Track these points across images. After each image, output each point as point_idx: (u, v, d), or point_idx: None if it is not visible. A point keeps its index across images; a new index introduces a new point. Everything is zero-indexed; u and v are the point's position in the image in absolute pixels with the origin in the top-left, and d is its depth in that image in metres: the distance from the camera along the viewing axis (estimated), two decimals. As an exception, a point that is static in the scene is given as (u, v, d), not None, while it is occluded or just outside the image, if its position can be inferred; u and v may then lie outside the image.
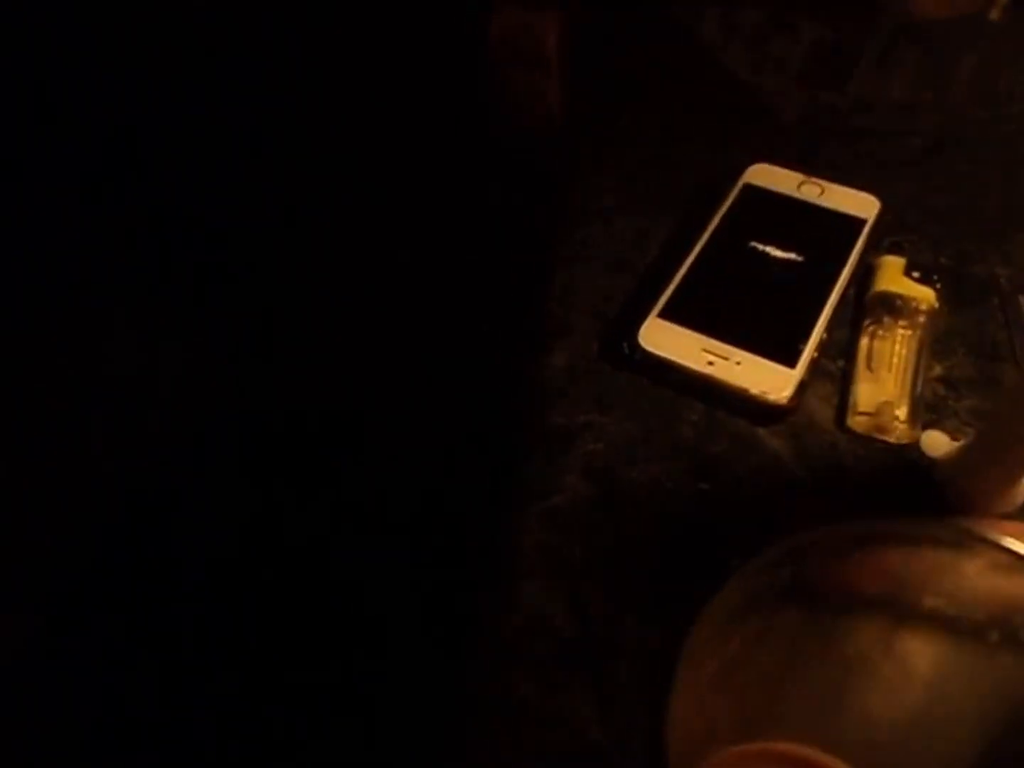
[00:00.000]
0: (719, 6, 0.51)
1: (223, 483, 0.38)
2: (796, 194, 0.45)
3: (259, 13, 0.48)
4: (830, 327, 0.40)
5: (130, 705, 0.32)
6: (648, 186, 0.49)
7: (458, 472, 0.38)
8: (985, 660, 0.24)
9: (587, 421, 0.39)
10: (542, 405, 0.39)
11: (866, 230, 0.43)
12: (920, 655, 0.25)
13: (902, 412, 0.37)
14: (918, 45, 0.48)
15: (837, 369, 0.40)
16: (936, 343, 0.40)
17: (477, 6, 0.47)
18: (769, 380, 0.38)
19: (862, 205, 0.44)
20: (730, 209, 0.45)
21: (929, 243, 0.44)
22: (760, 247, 0.43)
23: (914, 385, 0.38)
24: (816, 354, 0.39)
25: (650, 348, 0.39)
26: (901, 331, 0.39)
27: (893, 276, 0.41)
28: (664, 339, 0.40)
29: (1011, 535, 0.25)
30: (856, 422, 0.37)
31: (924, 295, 0.40)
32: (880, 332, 0.39)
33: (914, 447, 0.36)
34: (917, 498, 0.35)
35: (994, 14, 0.43)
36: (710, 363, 0.38)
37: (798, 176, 0.46)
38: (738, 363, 0.38)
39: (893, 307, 0.40)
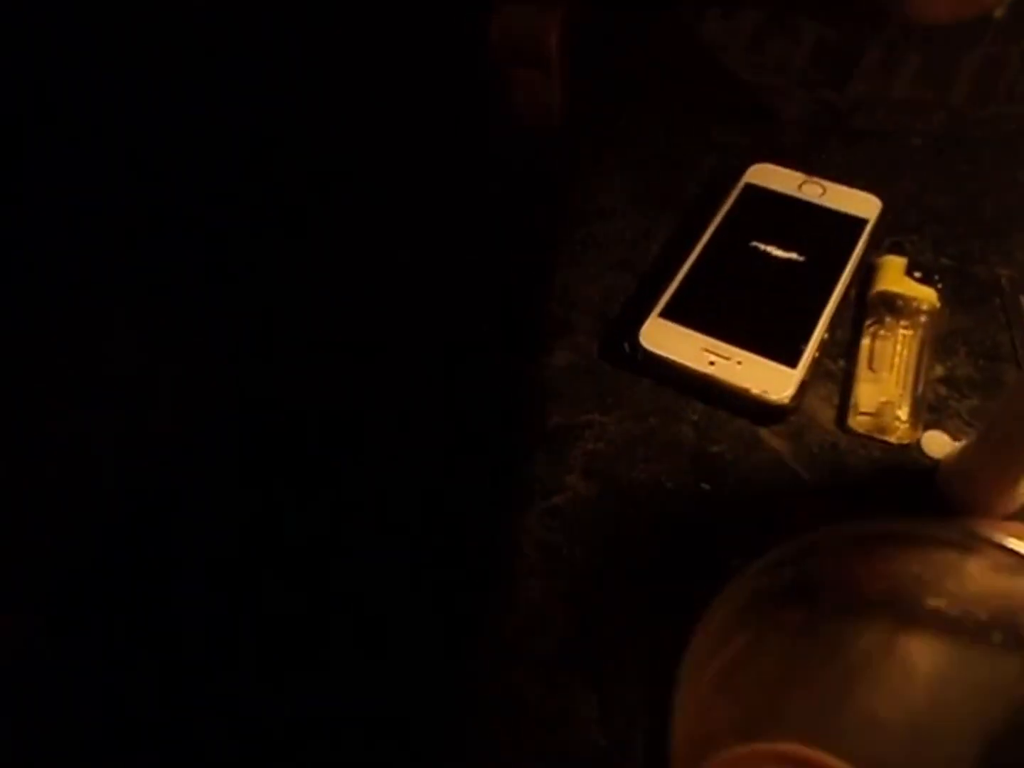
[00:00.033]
0: (719, 6, 0.51)
1: (223, 483, 0.38)
2: (797, 194, 0.45)
3: (259, 13, 0.48)
4: (831, 327, 0.40)
5: (130, 705, 0.32)
6: (649, 186, 0.49)
7: (458, 472, 0.38)
8: (987, 661, 0.24)
9: (587, 421, 0.39)
10: (542, 405, 0.39)
11: (867, 230, 0.43)
12: (922, 655, 0.25)
13: (903, 412, 0.37)
14: (919, 45, 0.48)
15: (838, 369, 0.40)
16: (937, 343, 0.40)
17: (477, 6, 0.47)
18: (770, 380, 0.38)
19: (863, 205, 0.44)
20: (731, 209, 0.45)
21: (930, 243, 0.44)
22: (761, 247, 0.43)
23: (915, 385, 0.38)
24: (817, 354, 0.39)
25: (651, 348, 0.39)
26: (902, 331, 0.39)
27: (894, 276, 0.41)
28: (665, 339, 0.40)
29: (1013, 535, 0.25)
30: (857, 422, 0.37)
31: (925, 295, 0.40)
32: (881, 332, 0.39)
33: (915, 447, 0.36)
34: (918, 498, 0.35)
35: (998, 12, 0.43)
36: (711, 363, 0.38)
37: (799, 176, 0.46)
38: (739, 363, 0.38)
39: (894, 307, 0.40)
